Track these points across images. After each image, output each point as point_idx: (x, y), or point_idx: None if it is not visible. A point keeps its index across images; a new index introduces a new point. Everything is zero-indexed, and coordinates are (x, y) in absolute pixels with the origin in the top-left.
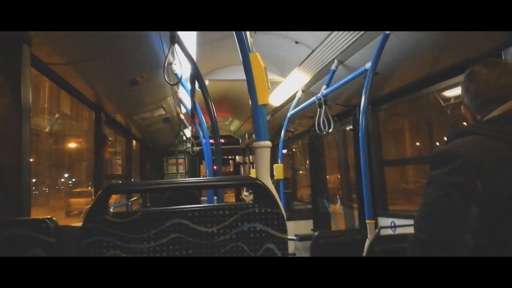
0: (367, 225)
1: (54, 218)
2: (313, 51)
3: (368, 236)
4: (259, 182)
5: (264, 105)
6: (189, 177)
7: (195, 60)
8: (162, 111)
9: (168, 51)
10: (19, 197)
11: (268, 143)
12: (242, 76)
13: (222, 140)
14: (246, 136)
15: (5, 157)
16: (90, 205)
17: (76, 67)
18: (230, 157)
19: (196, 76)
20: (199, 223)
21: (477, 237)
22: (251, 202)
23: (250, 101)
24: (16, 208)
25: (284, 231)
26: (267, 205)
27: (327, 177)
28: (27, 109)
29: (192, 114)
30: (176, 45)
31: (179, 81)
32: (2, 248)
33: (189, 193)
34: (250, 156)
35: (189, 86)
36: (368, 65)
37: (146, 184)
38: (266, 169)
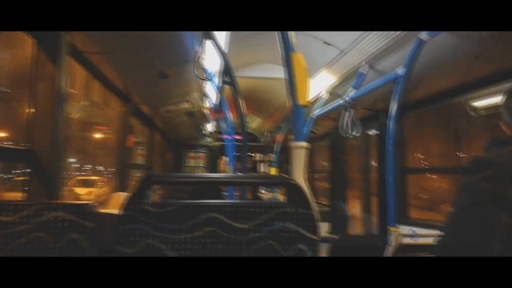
0: (391, 232)
1: (93, 203)
2: (343, 52)
3: (391, 243)
4: (293, 182)
5: (304, 105)
6: (208, 172)
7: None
8: (186, 105)
9: (201, 46)
10: (51, 181)
11: (305, 143)
12: (268, 74)
13: (238, 137)
14: (266, 134)
15: (41, 142)
16: (129, 194)
17: (109, 57)
18: (249, 154)
19: (227, 71)
20: (234, 219)
21: (508, 247)
22: (283, 201)
23: (289, 101)
24: (48, 192)
25: (316, 232)
26: (300, 206)
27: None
28: (63, 96)
29: (218, 109)
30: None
31: (209, 76)
32: (44, 230)
33: (213, 188)
34: (270, 154)
35: (217, 81)
36: (401, 70)
37: (185, 177)
38: (301, 169)
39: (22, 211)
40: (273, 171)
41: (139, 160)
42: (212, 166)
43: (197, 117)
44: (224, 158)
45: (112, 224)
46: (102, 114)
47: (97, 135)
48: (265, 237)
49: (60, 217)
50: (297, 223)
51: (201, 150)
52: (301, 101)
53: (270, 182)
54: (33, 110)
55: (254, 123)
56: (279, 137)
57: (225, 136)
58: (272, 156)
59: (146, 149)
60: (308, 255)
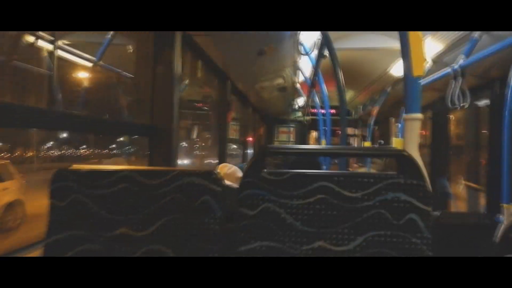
0: (504, 209)
1: (218, 171)
2: None
3: (504, 221)
4: (406, 153)
5: (419, 76)
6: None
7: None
8: (280, 80)
9: None
10: (169, 152)
11: (419, 115)
12: (362, 44)
13: (333, 111)
14: (360, 107)
15: (161, 118)
16: (249, 162)
17: (213, 38)
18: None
19: (326, 44)
20: (344, 188)
21: None
22: (394, 173)
23: (403, 72)
24: (166, 161)
25: (429, 204)
26: (412, 177)
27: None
28: (178, 76)
29: (313, 83)
30: None
31: (310, 51)
32: (182, 193)
33: (312, 160)
34: (364, 128)
35: (314, 55)
36: None
37: (299, 149)
38: (414, 142)
39: (163, 177)
40: (367, 144)
41: (235, 135)
42: (302, 140)
43: (290, 92)
44: (313, 132)
45: (231, 190)
46: (203, 93)
47: (198, 112)
48: (376, 206)
49: (195, 182)
50: (410, 194)
51: (291, 125)
52: (416, 72)
53: (383, 154)
54: (154, 91)
55: (346, 96)
56: (374, 110)
57: (317, 110)
58: (364, 130)
59: (241, 124)
60: (420, 226)
